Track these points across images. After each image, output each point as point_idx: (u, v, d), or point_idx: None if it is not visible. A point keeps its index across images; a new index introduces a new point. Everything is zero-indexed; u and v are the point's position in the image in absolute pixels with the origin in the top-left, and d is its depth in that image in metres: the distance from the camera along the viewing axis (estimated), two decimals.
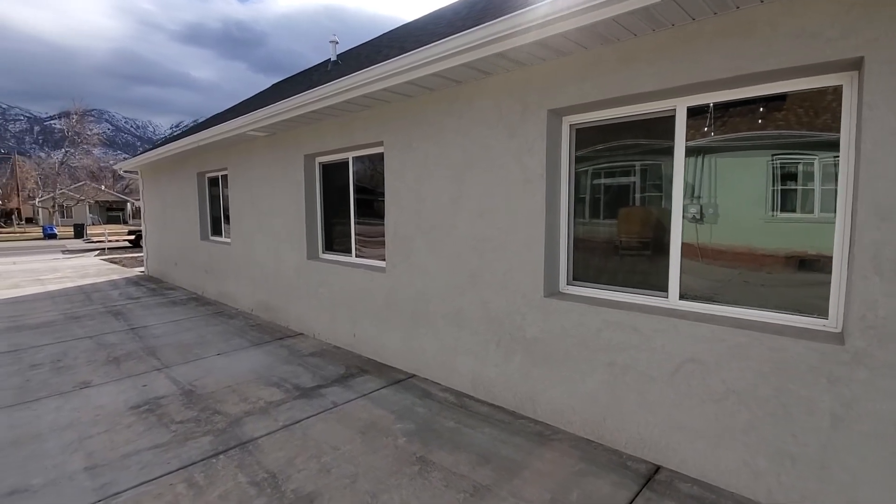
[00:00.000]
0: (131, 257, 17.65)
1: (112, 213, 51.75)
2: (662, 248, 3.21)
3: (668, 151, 3.13)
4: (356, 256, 5.64)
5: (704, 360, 2.85)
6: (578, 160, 3.60)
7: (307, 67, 10.17)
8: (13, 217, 48.91)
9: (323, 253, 6.19)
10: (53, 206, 45.66)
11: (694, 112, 3.01)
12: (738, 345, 2.74)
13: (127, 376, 4.86)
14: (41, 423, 3.81)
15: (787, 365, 2.59)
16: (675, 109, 3.05)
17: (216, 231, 9.23)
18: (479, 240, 4.01)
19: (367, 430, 3.57)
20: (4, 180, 56.58)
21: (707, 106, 2.96)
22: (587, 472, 2.98)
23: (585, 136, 3.56)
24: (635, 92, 3.03)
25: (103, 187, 54.74)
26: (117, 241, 23.81)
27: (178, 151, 8.88)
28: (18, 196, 51.15)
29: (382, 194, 5.10)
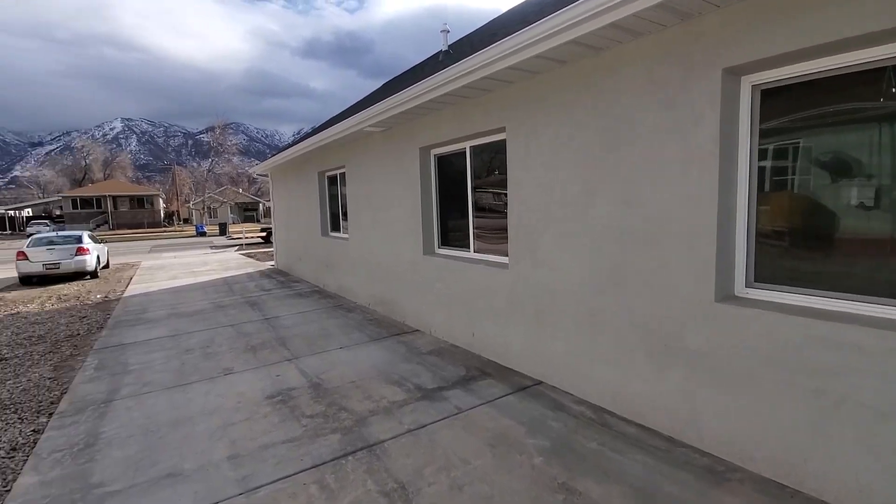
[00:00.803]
0: (263, 252, 19.65)
1: (248, 212, 58.84)
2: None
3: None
4: (474, 251, 5.36)
5: None
6: (765, 133, 2.85)
7: (416, 63, 10.17)
8: (174, 217, 58.01)
9: (439, 248, 6.03)
10: (203, 208, 53.17)
11: None
12: None
13: (262, 365, 5.14)
14: (193, 406, 4.12)
15: None
16: None
17: (335, 227, 9.68)
18: (621, 232, 3.44)
19: (496, 443, 3.25)
20: (167, 187, 67.37)
21: None
22: None
23: (773, 100, 2.81)
24: (855, 34, 2.25)
25: (240, 190, 62.48)
26: (252, 237, 26.79)
27: (302, 153, 9.45)
28: (178, 200, 60.55)
29: (503, 184, 4.74)
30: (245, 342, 6.07)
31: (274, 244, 14.51)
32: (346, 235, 8.82)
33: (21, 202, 64.23)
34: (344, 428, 3.58)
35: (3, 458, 3.44)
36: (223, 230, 36.58)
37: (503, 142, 4.61)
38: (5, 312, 8.91)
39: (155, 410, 4.08)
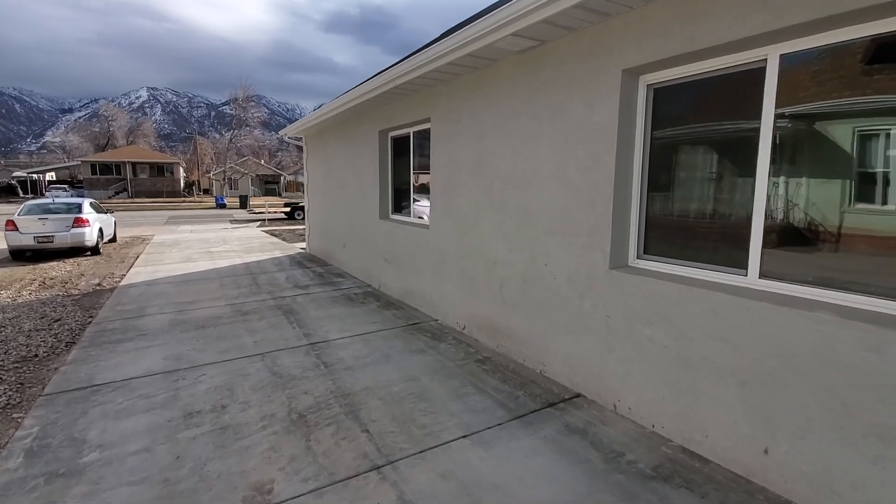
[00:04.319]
0: (289, 230, 17.23)
1: (269, 185, 56.65)
2: None
3: None
4: (763, 276, 2.66)
5: None
6: None
7: None
8: (193, 187, 56.22)
9: (639, 257, 3.36)
10: (224, 179, 51.25)
11: None
12: None
13: (330, 482, 2.61)
14: None
15: None
16: None
17: (400, 208, 7.06)
18: None
19: None
20: (188, 156, 65.77)
21: None
22: None
23: None
24: None
25: (262, 162, 60.32)
26: (274, 212, 24.47)
27: (354, 104, 6.79)
28: (198, 170, 58.75)
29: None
30: (286, 401, 3.56)
31: (307, 224, 11.99)
32: (423, 220, 6.20)
33: (44, 166, 63.00)
34: None
35: None
36: (244, 203, 34.37)
37: None
38: None
39: None
